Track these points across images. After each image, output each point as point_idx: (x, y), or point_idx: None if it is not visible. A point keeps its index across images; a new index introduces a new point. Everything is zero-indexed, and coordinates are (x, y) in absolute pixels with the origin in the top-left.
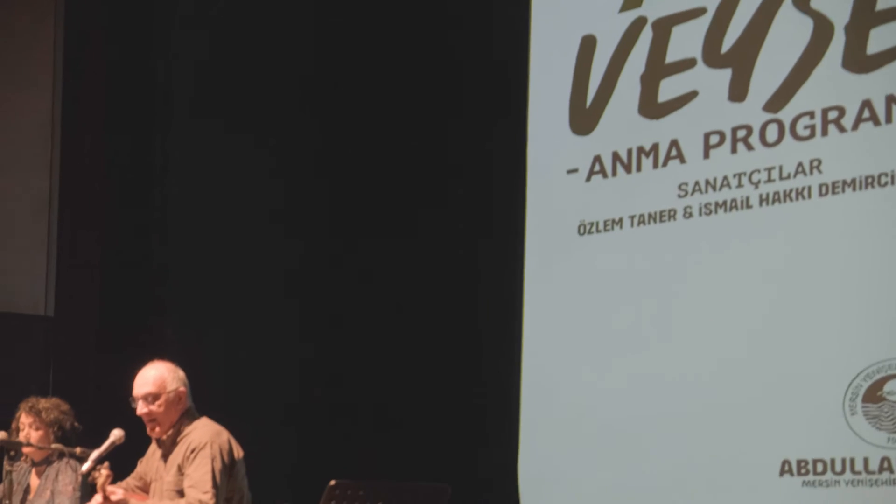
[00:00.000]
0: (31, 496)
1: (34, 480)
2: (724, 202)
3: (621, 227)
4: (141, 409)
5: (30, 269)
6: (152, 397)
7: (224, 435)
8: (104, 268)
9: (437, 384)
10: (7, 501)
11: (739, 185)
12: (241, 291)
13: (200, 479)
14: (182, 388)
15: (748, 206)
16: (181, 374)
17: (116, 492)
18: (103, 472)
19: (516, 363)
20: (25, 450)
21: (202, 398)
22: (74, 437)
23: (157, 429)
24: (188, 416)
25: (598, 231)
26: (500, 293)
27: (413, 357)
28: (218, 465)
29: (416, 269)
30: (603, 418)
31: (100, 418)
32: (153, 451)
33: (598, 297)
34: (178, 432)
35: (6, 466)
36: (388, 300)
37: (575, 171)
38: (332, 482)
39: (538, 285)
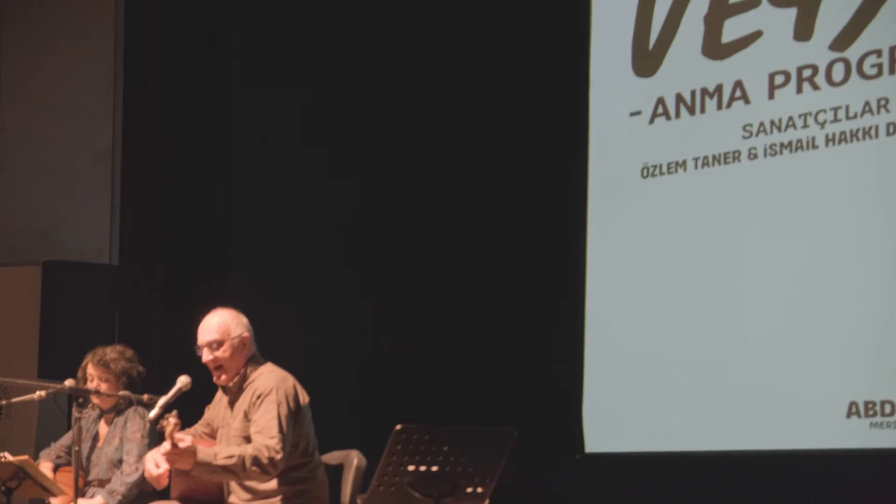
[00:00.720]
0: (99, 444)
1: (102, 428)
2: (790, 143)
3: (685, 169)
4: (206, 356)
5: (93, 218)
6: (216, 344)
7: (290, 380)
8: (167, 216)
9: (502, 327)
10: (76, 448)
11: (805, 126)
12: (303, 239)
13: (267, 425)
14: (246, 334)
15: (814, 147)
16: (244, 320)
17: (185, 438)
18: (171, 421)
19: (580, 305)
20: (94, 398)
21: (267, 344)
22: (141, 383)
23: (223, 376)
24: (254, 362)
25: (661, 174)
26: (564, 237)
27: (477, 301)
28: (284, 411)
29: (479, 214)
30: (667, 359)
31: (165, 366)
32: (219, 397)
33: (661, 239)
34: (243, 379)
35: (75, 414)
36: (451, 246)
37: (638, 113)
38: (398, 427)
39: (601, 229)
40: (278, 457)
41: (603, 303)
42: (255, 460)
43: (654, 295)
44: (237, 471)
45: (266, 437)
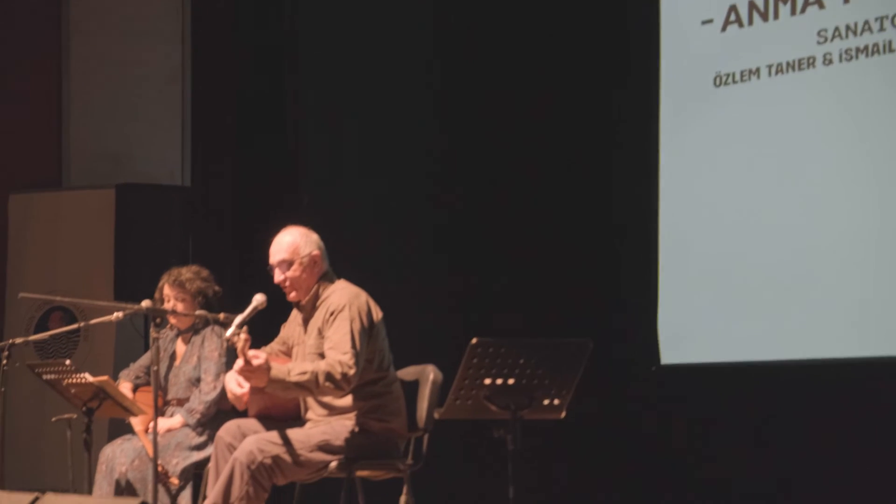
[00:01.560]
0: (177, 363)
1: (180, 347)
2: (866, 47)
3: (758, 76)
4: (277, 276)
5: (165, 140)
6: (287, 264)
7: (363, 296)
8: (238, 135)
9: (577, 241)
10: (155, 368)
11: (882, 29)
12: (376, 155)
13: (340, 341)
14: (316, 252)
15: (891, 51)
16: (315, 237)
17: (259, 355)
18: (242, 337)
19: (654, 217)
20: (170, 318)
21: (339, 261)
22: (217, 302)
23: (295, 293)
24: (326, 279)
25: (734, 82)
26: (636, 148)
27: (552, 213)
28: (357, 327)
29: (551, 123)
30: (741, 269)
31: (240, 284)
32: (294, 315)
33: (734, 149)
34: (316, 296)
35: (153, 334)
36: (524, 156)
37: (710, 21)
38: (474, 340)
39: (674, 139)
40: (351, 372)
41: (676, 214)
42: (329, 376)
43: (728, 205)
44: (311, 387)
45: (339, 353)
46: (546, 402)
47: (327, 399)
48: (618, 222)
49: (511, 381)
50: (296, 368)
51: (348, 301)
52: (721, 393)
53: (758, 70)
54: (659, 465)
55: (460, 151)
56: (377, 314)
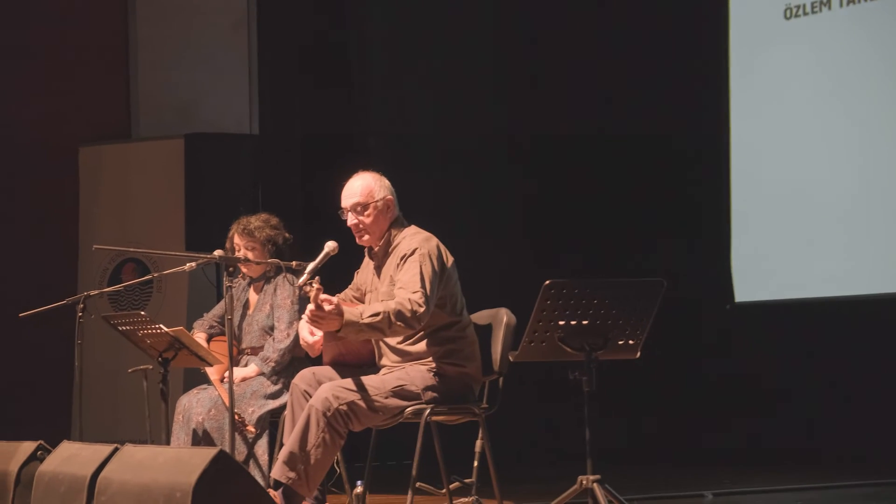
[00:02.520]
0: (250, 312)
1: (252, 296)
2: None
3: (829, 7)
4: (350, 220)
5: (232, 88)
6: (361, 207)
7: (433, 241)
8: (305, 81)
9: (649, 179)
10: (229, 317)
11: None
12: (443, 93)
13: (409, 281)
14: (389, 197)
15: None
16: (387, 182)
17: (331, 300)
18: (315, 286)
19: (725, 156)
20: (242, 268)
21: (408, 207)
22: (288, 249)
23: (368, 238)
24: (398, 225)
25: (805, 14)
26: (707, 85)
27: (623, 153)
28: (428, 270)
29: (622, 59)
30: (814, 207)
31: (310, 232)
32: (366, 262)
33: (805, 82)
34: (388, 242)
35: (226, 283)
36: (594, 93)
37: None
38: (547, 282)
39: (744, 74)
40: (421, 310)
41: (747, 152)
42: (399, 314)
43: (800, 141)
44: (383, 327)
45: (409, 292)
46: (621, 342)
47: (402, 345)
48: (689, 162)
49: (585, 322)
50: (367, 310)
51: (419, 245)
52: (796, 330)
53: (829, 1)
54: (735, 403)
55: (528, 88)
56: (448, 258)
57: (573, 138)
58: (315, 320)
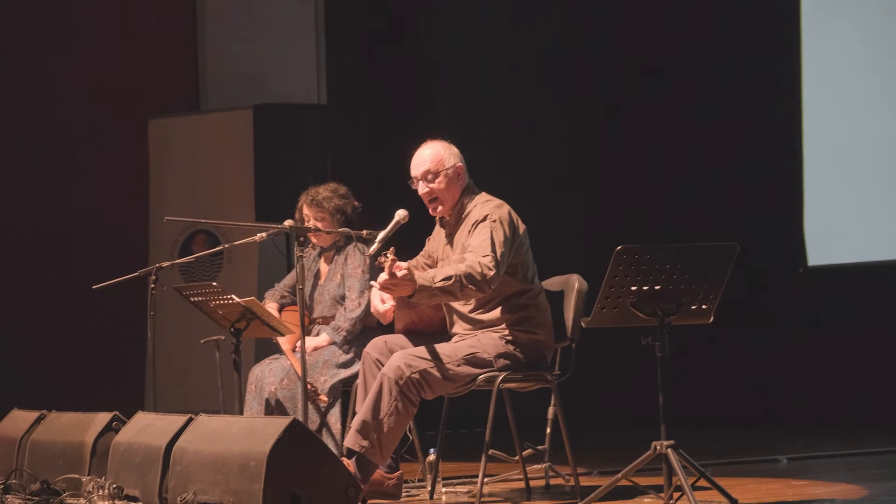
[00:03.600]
0: (321, 281)
1: (323, 266)
2: None
3: None
4: (421, 189)
5: (300, 58)
6: (431, 175)
7: (505, 207)
8: (373, 50)
9: (720, 143)
10: (301, 287)
11: None
12: (512, 61)
13: (480, 245)
14: (460, 164)
15: None
16: (456, 150)
17: (402, 266)
18: (389, 257)
19: (797, 120)
20: (312, 237)
21: (478, 175)
22: (357, 218)
23: (440, 207)
24: (469, 192)
25: None
26: (779, 48)
27: (695, 118)
28: (499, 235)
29: (691, 25)
30: (887, 169)
31: (380, 200)
32: (438, 231)
33: (879, 45)
34: (461, 210)
35: (296, 253)
36: (664, 61)
37: None
38: (619, 247)
39: (816, 38)
40: (491, 273)
41: (820, 115)
42: (470, 277)
43: (873, 103)
44: (455, 290)
45: (479, 256)
46: (694, 307)
47: (474, 314)
48: (763, 126)
49: (657, 287)
50: (439, 275)
51: (490, 211)
52: (870, 293)
53: None
54: (807, 367)
55: (598, 57)
56: (520, 226)
57: (641, 104)
58: (388, 287)
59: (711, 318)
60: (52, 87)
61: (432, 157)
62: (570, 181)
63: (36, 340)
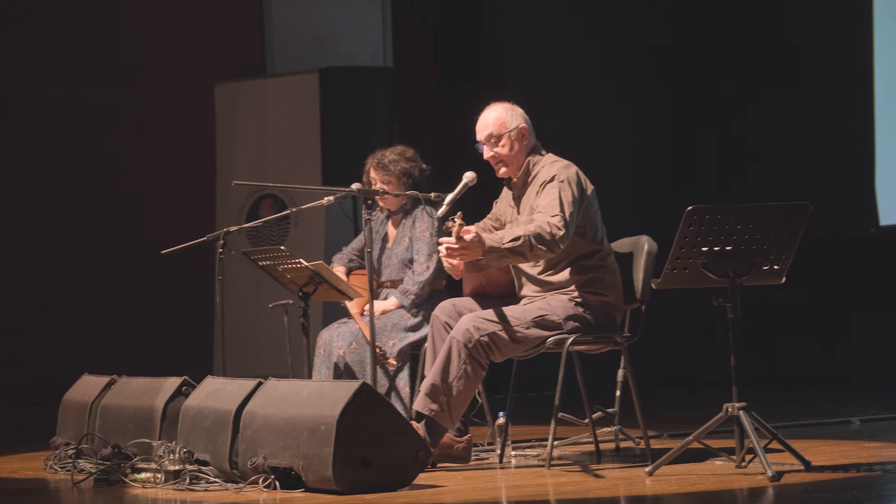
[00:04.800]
0: (389, 245)
1: (391, 230)
2: None
3: None
4: (487, 152)
5: (366, 20)
6: (495, 138)
7: (573, 168)
8: (438, 12)
9: (790, 103)
10: (369, 250)
11: None
12: (578, 20)
13: (548, 205)
14: (524, 125)
15: None
16: (520, 110)
17: (470, 229)
18: (457, 221)
19: (869, 81)
20: (379, 200)
21: (544, 136)
22: (425, 181)
23: (505, 169)
24: (535, 153)
25: None
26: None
27: (763, 80)
28: (567, 195)
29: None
30: None
31: (448, 163)
32: (505, 193)
33: None
34: (527, 171)
35: (365, 216)
36: (732, 29)
37: None
38: (690, 208)
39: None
40: (560, 233)
41: (891, 71)
42: (539, 237)
43: None
44: (524, 251)
45: (547, 216)
46: (766, 267)
47: (543, 275)
48: (833, 84)
49: (729, 248)
50: (507, 235)
51: (557, 172)
52: None
53: None
54: (879, 329)
55: (668, 16)
56: (588, 186)
57: (713, 63)
58: (456, 252)
59: (783, 279)
60: (119, 52)
61: (495, 120)
62: (637, 142)
63: (105, 305)
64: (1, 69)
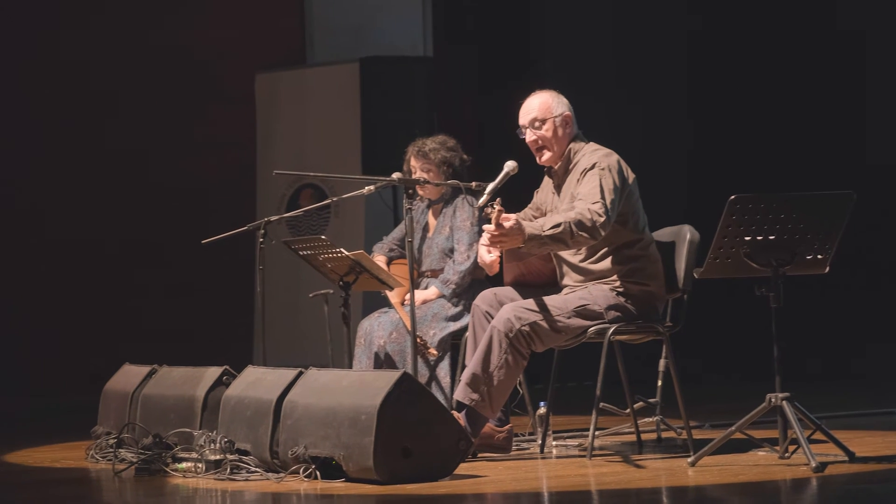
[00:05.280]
0: (429, 234)
1: (431, 219)
2: None
3: None
4: (529, 136)
5: (406, 10)
6: (538, 122)
7: (614, 156)
8: (479, 3)
9: (835, 90)
10: (410, 240)
11: None
12: (619, 12)
13: (589, 193)
14: (568, 113)
15: None
16: (565, 99)
17: (510, 217)
18: (496, 208)
19: None
20: (420, 189)
21: (585, 128)
22: (466, 171)
23: (546, 155)
24: (577, 142)
25: None
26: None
27: (804, 70)
28: (608, 182)
29: None
30: None
31: (488, 152)
32: (546, 182)
33: None
34: (568, 160)
35: (406, 205)
36: (774, 21)
37: None
38: (733, 197)
39: None
40: (601, 220)
41: None
42: (580, 224)
43: None
44: (565, 238)
45: (588, 203)
46: (809, 256)
47: (584, 264)
48: (876, 72)
49: (772, 237)
50: (548, 223)
51: (598, 160)
52: None
53: None
54: None
55: (707, 7)
56: (629, 174)
57: (754, 52)
58: (496, 239)
59: (827, 269)
60: (160, 42)
61: (540, 104)
62: (679, 132)
63: (147, 295)
64: (47, 60)
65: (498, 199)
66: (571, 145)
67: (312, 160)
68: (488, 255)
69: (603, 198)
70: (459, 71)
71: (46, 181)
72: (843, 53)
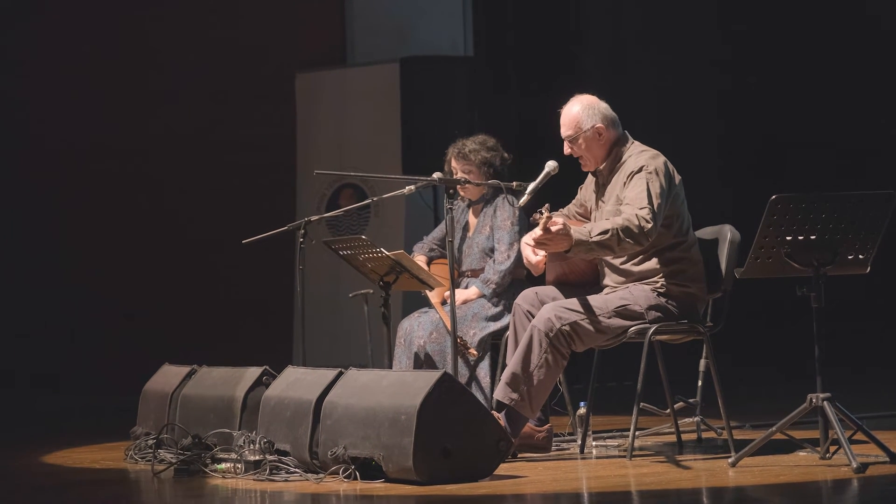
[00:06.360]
0: (469, 234)
1: (472, 219)
2: None
3: None
4: (566, 149)
5: (446, 9)
6: (571, 139)
7: (661, 158)
8: (519, 3)
9: (875, 92)
10: (450, 239)
11: None
12: (658, 13)
13: (636, 197)
14: (600, 125)
15: None
16: (601, 106)
17: (557, 221)
18: (544, 214)
19: None
20: (461, 190)
21: (630, 125)
22: (507, 171)
23: (586, 165)
24: (619, 145)
25: None
26: None
27: (840, 70)
28: (655, 186)
29: None
30: None
31: (529, 152)
32: (590, 180)
33: None
34: (614, 160)
35: (446, 205)
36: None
37: None
38: (774, 197)
39: None
40: (649, 226)
41: None
42: (627, 231)
43: None
44: (612, 245)
45: (635, 208)
46: (850, 256)
47: (626, 265)
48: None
49: (813, 237)
50: (595, 229)
51: (645, 162)
52: None
53: None
54: None
55: (751, 6)
56: (675, 176)
57: (798, 53)
58: (543, 243)
59: (868, 268)
60: (200, 41)
61: (571, 121)
62: (720, 132)
63: (187, 295)
64: (104, 64)
65: (546, 206)
66: (615, 147)
67: (352, 160)
68: (534, 257)
69: (650, 203)
70: (500, 70)
71: (84, 176)
72: (887, 53)
